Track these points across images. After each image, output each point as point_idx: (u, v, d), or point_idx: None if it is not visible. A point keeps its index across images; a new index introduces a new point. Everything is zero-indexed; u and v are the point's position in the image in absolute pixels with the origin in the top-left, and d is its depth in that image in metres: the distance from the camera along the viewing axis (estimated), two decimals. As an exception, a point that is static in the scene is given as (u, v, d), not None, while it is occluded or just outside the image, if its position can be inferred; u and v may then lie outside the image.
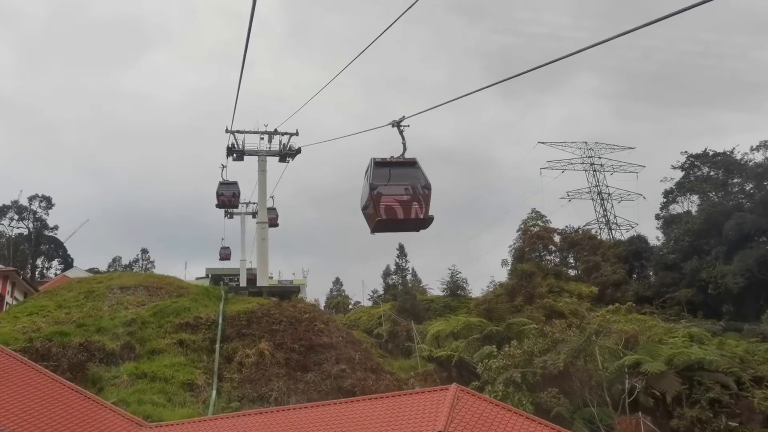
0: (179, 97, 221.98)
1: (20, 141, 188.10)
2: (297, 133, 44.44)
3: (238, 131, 43.88)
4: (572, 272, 57.85)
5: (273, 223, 47.39)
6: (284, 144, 43.92)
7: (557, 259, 60.17)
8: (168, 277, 39.35)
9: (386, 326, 65.27)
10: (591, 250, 54.42)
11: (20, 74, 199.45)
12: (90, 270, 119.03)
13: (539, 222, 62.25)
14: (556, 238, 60.76)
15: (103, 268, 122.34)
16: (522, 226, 62.53)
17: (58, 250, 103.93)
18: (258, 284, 40.59)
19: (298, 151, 43.62)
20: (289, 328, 30.51)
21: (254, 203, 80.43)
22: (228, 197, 46.89)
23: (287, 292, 40.80)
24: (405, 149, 13.21)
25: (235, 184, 47.55)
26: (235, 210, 60.62)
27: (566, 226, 61.00)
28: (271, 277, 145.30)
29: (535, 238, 58.31)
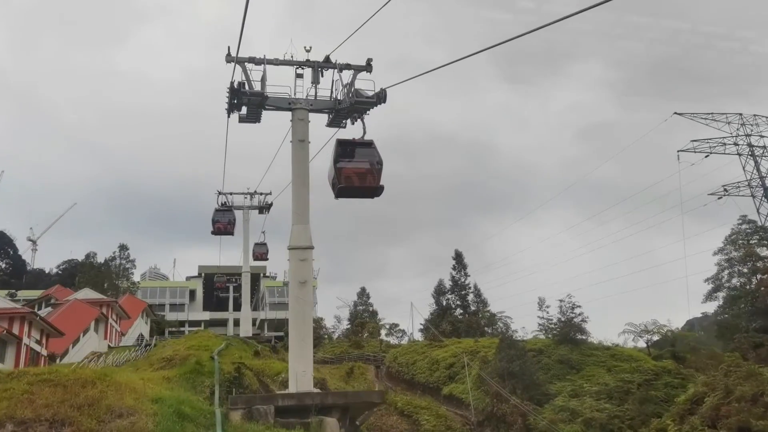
0: (176, 76, 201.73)
1: (17, 119, 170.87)
2: (370, 67, 22.14)
3: (251, 59, 21.59)
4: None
5: (362, 186, 19.35)
6: (346, 84, 21.55)
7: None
8: (106, 376, 16.98)
9: (468, 385, 42.51)
10: None
11: (15, 51, 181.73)
12: (67, 264, 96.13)
13: (754, 239, 39.39)
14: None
15: (84, 254, 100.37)
16: (733, 248, 38.88)
17: (6, 249, 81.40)
18: (297, 387, 18.36)
19: (381, 97, 21.20)
20: None
21: (261, 194, 58.01)
22: (224, 224, 45.73)
23: (359, 408, 18.74)
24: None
25: (230, 210, 47.58)
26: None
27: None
28: (273, 277, 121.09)
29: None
